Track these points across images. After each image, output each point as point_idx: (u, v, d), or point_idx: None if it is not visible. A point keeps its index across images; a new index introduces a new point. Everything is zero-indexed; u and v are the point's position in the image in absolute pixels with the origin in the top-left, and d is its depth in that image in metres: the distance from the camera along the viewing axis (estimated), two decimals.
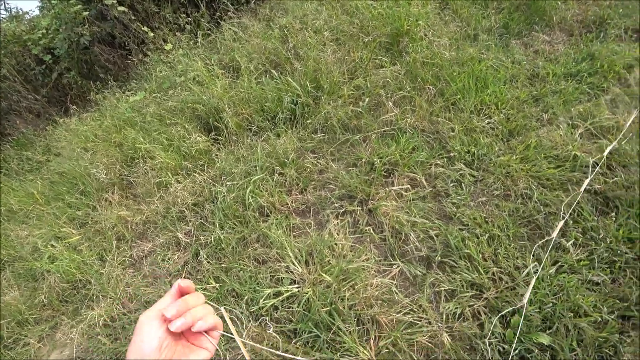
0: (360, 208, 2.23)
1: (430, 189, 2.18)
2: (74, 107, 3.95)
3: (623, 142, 2.18)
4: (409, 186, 2.21)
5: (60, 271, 2.55)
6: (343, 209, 2.23)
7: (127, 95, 3.57)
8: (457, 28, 3.16)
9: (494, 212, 2.02)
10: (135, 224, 2.73)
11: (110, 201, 2.94)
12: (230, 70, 3.53)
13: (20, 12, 4.98)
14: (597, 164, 2.09)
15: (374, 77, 2.75)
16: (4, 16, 4.70)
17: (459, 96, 2.60)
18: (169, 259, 2.45)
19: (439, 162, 2.28)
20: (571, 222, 1.89)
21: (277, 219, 2.29)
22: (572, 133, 2.33)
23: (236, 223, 2.33)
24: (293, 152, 2.48)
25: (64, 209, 3.01)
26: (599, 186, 2.00)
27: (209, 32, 4.18)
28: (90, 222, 2.88)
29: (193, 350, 0.62)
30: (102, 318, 2.29)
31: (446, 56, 2.75)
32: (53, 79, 4.14)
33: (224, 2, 4.24)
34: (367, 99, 2.60)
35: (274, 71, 3.05)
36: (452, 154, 2.29)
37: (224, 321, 0.69)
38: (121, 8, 4.04)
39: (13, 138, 4.03)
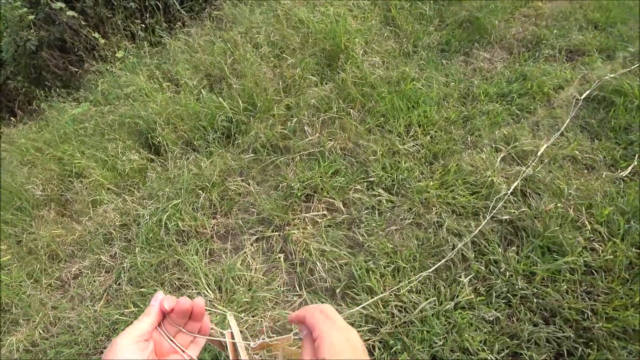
0: (278, 233, 2.17)
1: (346, 215, 2.12)
2: (21, 113, 3.79)
3: (538, 169, 2.13)
4: (325, 212, 2.14)
5: None
6: (259, 235, 2.15)
7: (72, 106, 3.43)
8: (396, 44, 3.07)
9: (403, 242, 1.96)
10: (68, 243, 2.62)
11: (45, 219, 2.82)
12: (176, 82, 3.41)
13: None
14: (509, 192, 2.04)
15: (306, 96, 2.66)
16: None
17: (387, 117, 2.52)
18: (94, 282, 2.36)
19: (358, 186, 2.21)
20: (472, 255, 1.84)
21: (196, 243, 2.21)
22: (494, 157, 2.28)
23: (156, 247, 2.24)
24: (215, 175, 2.39)
25: None
26: (506, 216, 1.95)
27: (161, 38, 4.03)
28: (24, 240, 2.77)
29: None
30: (22, 343, 2.21)
31: (377, 75, 2.67)
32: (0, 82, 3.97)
33: (179, 10, 4.09)
34: (295, 119, 2.51)
35: (203, 91, 2.94)
36: (372, 179, 2.23)
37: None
38: (70, 13, 3.87)
39: None
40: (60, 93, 3.82)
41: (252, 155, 2.52)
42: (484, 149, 2.32)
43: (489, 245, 1.88)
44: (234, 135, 2.73)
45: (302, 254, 1.99)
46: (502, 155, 2.28)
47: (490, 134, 2.41)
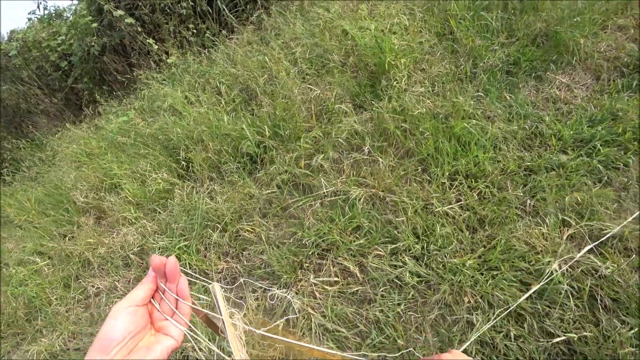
0: (285, 291, 1.81)
1: (360, 287, 1.68)
2: (87, 111, 3.81)
3: (618, 267, 1.49)
4: (337, 278, 1.72)
5: (26, 294, 2.45)
6: (261, 294, 1.81)
7: (120, 113, 3.32)
8: (451, 64, 2.43)
9: (419, 337, 1.49)
10: (99, 255, 2.52)
11: (85, 224, 2.76)
12: (217, 92, 3.12)
13: (60, 9, 4.78)
14: (572, 295, 1.44)
15: (337, 129, 2.19)
16: (37, 16, 4.57)
17: (428, 162, 1.98)
18: (110, 304, 2.22)
19: (381, 250, 1.75)
20: None
21: (200, 287, 1.94)
22: (558, 234, 1.66)
23: None
24: (229, 215, 2.07)
25: (49, 224, 2.90)
26: (561, 337, 1.37)
27: (213, 43, 3.75)
28: (65, 244, 2.73)
29: (159, 339, 0.52)
30: (42, 354, 2.17)
31: (422, 107, 2.10)
32: (69, 84, 4.01)
33: (229, 16, 3.76)
34: (321, 156, 2.08)
35: (226, 113, 2.58)
36: (398, 244, 1.74)
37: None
38: (129, 20, 3.73)
39: (27, 139, 4.02)
40: (117, 96, 3.76)
41: (273, 190, 2.15)
42: (547, 220, 1.71)
43: None
44: (261, 162, 2.38)
45: (302, 327, 1.62)
46: (569, 232, 1.65)
47: (558, 198, 1.77)
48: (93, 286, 2.36)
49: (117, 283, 2.20)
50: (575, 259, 1.54)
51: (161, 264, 0.52)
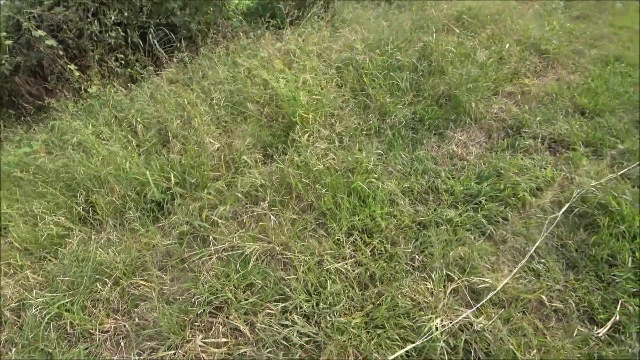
0: (173, 352, 1.69)
1: (248, 347, 1.63)
2: None
3: (490, 322, 1.60)
4: (226, 339, 1.66)
5: None
6: (149, 353, 1.69)
7: (24, 142, 3.05)
8: (361, 119, 2.58)
9: None
10: None
11: None
12: (134, 130, 2.99)
13: None
14: (447, 351, 1.51)
15: (242, 180, 2.18)
16: None
17: (326, 217, 2.03)
18: None
19: (271, 309, 1.72)
20: None
21: (82, 350, 1.76)
22: (442, 289, 1.76)
23: (38, 349, 1.80)
24: (123, 268, 1.94)
25: None
26: None
27: (142, 76, 3.64)
28: None
29: None
30: None
31: (323, 163, 2.18)
32: None
33: (160, 51, 3.70)
34: (222, 208, 2.05)
35: (137, 156, 2.49)
36: (288, 303, 1.73)
37: None
38: (50, 42, 3.51)
39: None
40: (26, 121, 3.46)
41: (171, 242, 2.06)
42: (433, 275, 1.81)
43: None
44: (168, 210, 2.28)
45: None
46: (452, 287, 1.76)
47: (445, 253, 1.89)
48: None
49: None
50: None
51: None
